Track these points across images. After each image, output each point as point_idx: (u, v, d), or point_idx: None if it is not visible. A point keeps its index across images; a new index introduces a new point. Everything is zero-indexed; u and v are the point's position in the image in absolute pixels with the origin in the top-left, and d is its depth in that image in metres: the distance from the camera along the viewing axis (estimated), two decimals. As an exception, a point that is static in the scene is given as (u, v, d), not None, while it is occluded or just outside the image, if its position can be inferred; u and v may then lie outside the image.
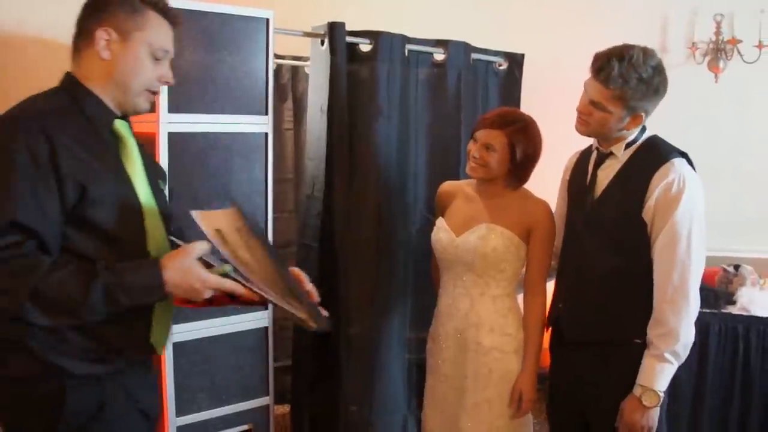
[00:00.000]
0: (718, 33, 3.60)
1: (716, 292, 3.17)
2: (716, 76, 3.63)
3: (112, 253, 1.50)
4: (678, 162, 1.98)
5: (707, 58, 3.63)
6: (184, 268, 1.48)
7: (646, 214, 1.98)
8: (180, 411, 2.18)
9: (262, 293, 1.53)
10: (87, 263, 1.45)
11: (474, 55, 3.09)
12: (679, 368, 2.94)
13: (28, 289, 1.37)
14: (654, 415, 2.00)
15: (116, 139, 1.63)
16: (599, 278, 2.07)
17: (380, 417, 2.90)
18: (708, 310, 3.03)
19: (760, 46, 3.47)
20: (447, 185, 2.46)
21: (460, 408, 2.27)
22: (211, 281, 1.49)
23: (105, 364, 1.54)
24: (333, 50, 2.58)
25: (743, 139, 3.66)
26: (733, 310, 3.08)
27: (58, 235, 1.46)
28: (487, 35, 3.30)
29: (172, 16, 1.65)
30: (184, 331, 2.17)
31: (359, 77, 2.74)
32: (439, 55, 2.97)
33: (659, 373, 1.97)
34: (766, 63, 3.51)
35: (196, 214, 1.57)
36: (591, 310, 2.11)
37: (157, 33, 1.61)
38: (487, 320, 2.21)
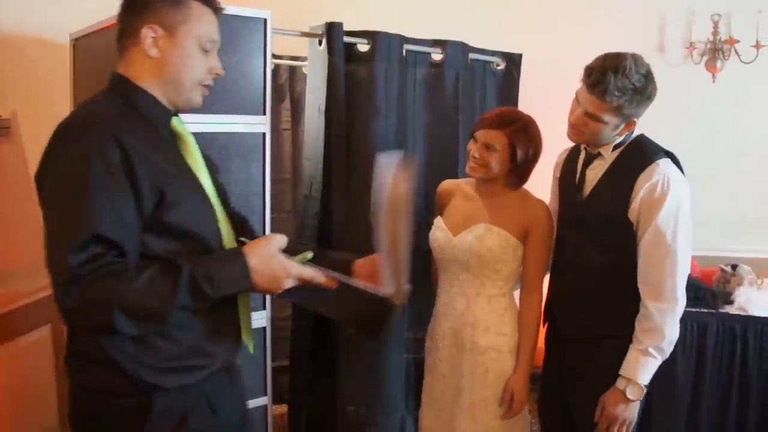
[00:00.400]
0: (715, 33, 3.60)
1: (714, 291, 3.17)
2: (714, 76, 3.64)
3: (192, 254, 1.47)
4: (663, 163, 2.01)
5: (704, 58, 3.64)
6: (268, 256, 1.48)
7: (632, 214, 2.01)
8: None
9: (342, 278, 1.55)
10: (168, 262, 1.42)
11: (472, 55, 3.09)
12: (677, 368, 2.98)
13: (116, 298, 1.34)
14: (634, 409, 2.04)
15: (174, 136, 1.60)
16: (588, 275, 2.12)
17: (378, 417, 2.89)
18: (705, 310, 3.04)
19: (757, 46, 3.48)
20: (446, 184, 2.46)
21: (456, 407, 2.27)
22: (293, 268, 1.49)
23: (193, 372, 1.52)
24: (331, 50, 2.58)
25: (740, 139, 3.67)
26: (731, 309, 3.08)
27: (137, 242, 1.42)
28: (485, 35, 3.30)
29: (214, 4, 1.58)
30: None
31: (357, 77, 2.74)
32: (437, 55, 2.97)
33: (643, 366, 1.99)
34: (763, 63, 3.52)
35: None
36: (580, 306, 2.15)
37: (203, 24, 1.55)
38: (482, 320, 2.22)
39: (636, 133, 2.10)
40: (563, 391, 2.21)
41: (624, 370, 2.01)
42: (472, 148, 2.22)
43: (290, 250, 1.56)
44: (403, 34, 2.82)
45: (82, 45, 2.72)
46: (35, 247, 2.82)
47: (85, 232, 1.34)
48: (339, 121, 2.66)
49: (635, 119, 2.03)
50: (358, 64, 2.74)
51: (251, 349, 1.71)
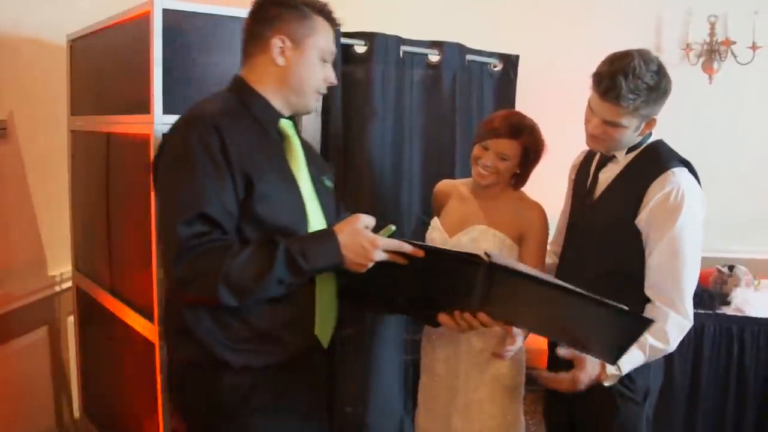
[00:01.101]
0: (712, 34, 3.61)
1: (711, 292, 3.18)
2: (710, 78, 3.65)
3: None
4: (678, 171, 1.92)
5: (701, 60, 3.65)
6: (355, 230, 1.61)
7: (640, 222, 1.93)
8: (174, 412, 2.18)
9: (427, 246, 1.69)
10: (266, 240, 1.57)
11: (469, 57, 3.09)
12: (674, 369, 2.98)
13: (222, 271, 1.48)
14: (585, 381, 1.91)
15: (282, 137, 1.74)
16: (591, 279, 2.05)
17: (376, 418, 2.89)
18: (702, 311, 3.04)
19: (753, 47, 3.48)
20: (443, 184, 2.46)
21: (452, 407, 2.27)
22: (379, 240, 1.62)
23: (261, 356, 1.64)
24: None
25: (737, 140, 3.68)
26: (728, 310, 3.08)
27: (235, 225, 1.58)
28: (482, 36, 3.30)
29: (334, 20, 1.75)
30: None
31: (354, 78, 2.74)
32: (434, 57, 2.97)
33: (633, 357, 1.88)
34: (759, 64, 3.52)
35: None
36: None
37: (325, 37, 1.72)
38: None
39: (653, 136, 2.04)
40: (564, 394, 2.18)
41: (625, 365, 1.89)
42: (483, 156, 2.18)
43: (374, 230, 1.68)
44: (400, 35, 2.83)
45: (79, 46, 2.72)
46: (32, 249, 2.84)
47: (193, 210, 1.50)
48: (336, 122, 2.66)
49: (654, 116, 1.96)
50: (355, 65, 2.74)
51: (325, 345, 1.77)
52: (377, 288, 1.80)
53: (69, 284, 2.96)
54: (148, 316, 2.17)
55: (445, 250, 1.74)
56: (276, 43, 1.66)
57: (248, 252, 1.52)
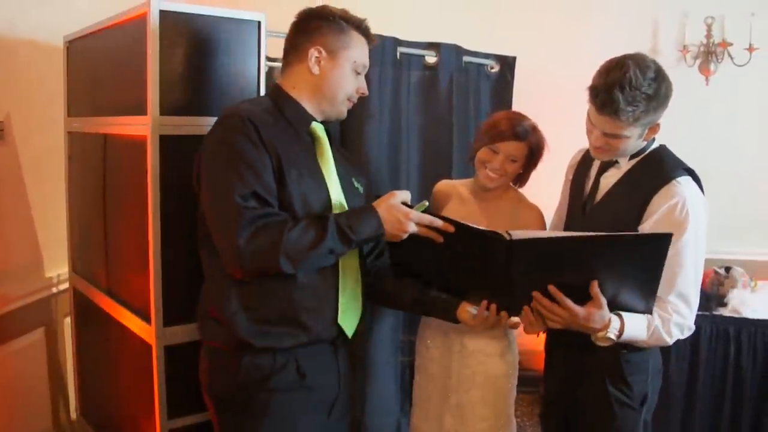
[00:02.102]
0: (708, 36, 3.61)
1: (707, 294, 3.18)
2: (707, 79, 3.65)
3: None
4: (684, 181, 1.89)
5: (698, 61, 3.65)
6: (390, 205, 1.74)
7: (644, 231, 1.88)
8: (171, 414, 2.17)
9: (459, 220, 1.80)
10: (316, 215, 1.72)
11: (466, 58, 3.09)
12: (671, 370, 2.98)
13: (283, 242, 1.60)
14: (584, 323, 1.83)
15: (313, 139, 1.86)
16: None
17: (373, 419, 2.90)
18: (699, 313, 3.01)
19: (750, 49, 3.49)
20: (443, 185, 2.46)
21: (445, 407, 2.28)
22: (413, 213, 1.75)
23: (283, 338, 1.74)
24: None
25: (734, 142, 3.68)
26: (725, 312, 3.09)
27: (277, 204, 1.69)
28: (479, 38, 3.31)
29: (370, 36, 1.87)
30: (177, 333, 2.16)
31: (351, 80, 2.74)
32: (431, 58, 2.97)
33: (634, 325, 1.85)
34: (756, 66, 3.53)
35: None
36: None
37: (359, 51, 1.84)
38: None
39: (656, 142, 2.02)
40: (560, 398, 2.17)
41: (628, 323, 1.84)
42: (493, 159, 2.19)
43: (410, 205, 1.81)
44: (397, 36, 2.83)
45: (76, 47, 2.71)
46: (29, 251, 2.83)
47: (246, 188, 1.62)
48: (333, 123, 2.65)
49: (659, 122, 1.92)
50: (352, 66, 2.74)
51: (349, 334, 1.86)
52: (420, 263, 1.98)
53: (66, 286, 2.95)
54: (145, 317, 2.16)
55: (471, 226, 1.81)
56: (313, 53, 1.78)
57: (303, 224, 1.65)
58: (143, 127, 2.08)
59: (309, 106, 1.84)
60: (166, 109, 2.06)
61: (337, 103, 1.85)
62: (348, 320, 1.85)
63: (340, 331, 1.83)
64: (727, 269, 3.32)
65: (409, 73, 2.91)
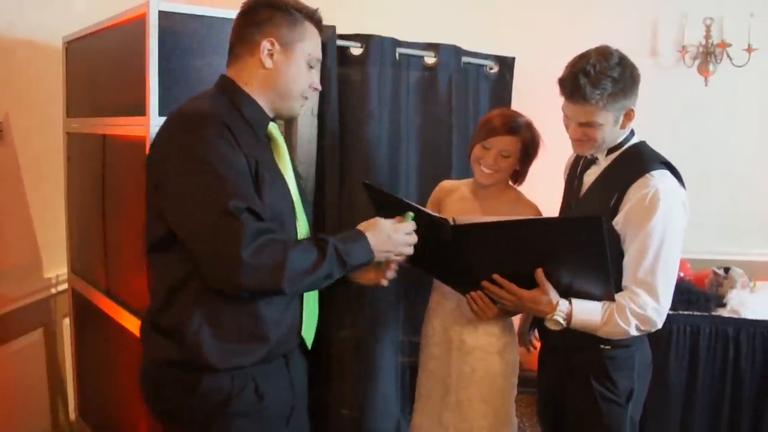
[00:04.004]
0: (707, 36, 3.62)
1: (706, 294, 3.18)
2: (706, 80, 3.65)
3: None
4: (658, 174, 1.89)
5: (697, 62, 3.65)
6: (377, 226, 1.70)
7: (617, 225, 1.90)
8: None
9: (411, 202, 1.90)
10: (314, 236, 1.66)
11: (465, 59, 3.09)
12: (670, 370, 2.98)
13: (287, 261, 1.50)
14: (532, 305, 1.92)
15: (269, 140, 1.76)
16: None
17: (373, 420, 2.89)
18: (698, 313, 3.04)
19: (749, 49, 3.49)
20: (446, 183, 2.48)
21: (444, 404, 2.29)
22: (402, 225, 1.74)
23: (248, 355, 1.62)
24: (324, 53, 2.56)
25: (733, 142, 3.68)
26: (724, 312, 3.08)
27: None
28: (478, 39, 3.31)
29: (322, 27, 1.76)
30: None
31: (350, 80, 2.74)
32: (430, 59, 2.97)
33: (585, 313, 1.88)
34: (755, 66, 3.53)
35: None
36: None
37: (314, 43, 1.72)
38: (471, 319, 2.22)
39: (635, 138, 2.03)
40: (550, 398, 2.19)
41: (577, 308, 1.88)
42: (485, 155, 2.21)
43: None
44: (396, 37, 2.83)
45: (75, 48, 2.71)
46: (27, 251, 2.83)
47: (239, 199, 1.49)
48: (332, 124, 2.66)
49: (632, 107, 1.94)
50: (351, 67, 2.74)
51: (309, 345, 1.81)
52: (428, 256, 1.98)
53: (65, 286, 2.95)
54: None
55: (424, 209, 1.90)
56: (265, 45, 1.65)
57: (303, 245, 1.57)
58: (142, 127, 2.08)
59: (262, 104, 1.70)
60: (165, 110, 2.06)
61: (291, 100, 1.73)
62: (309, 330, 1.80)
63: (300, 342, 1.76)
64: (726, 270, 3.31)
65: (408, 74, 2.91)
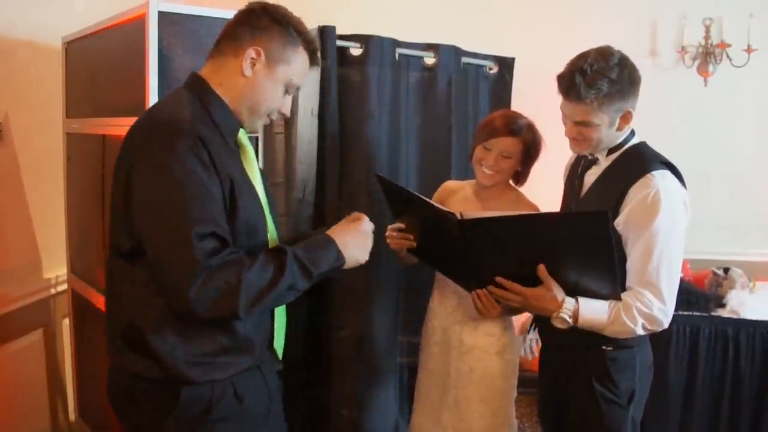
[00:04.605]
0: (707, 37, 3.62)
1: (706, 295, 3.18)
2: (705, 80, 3.66)
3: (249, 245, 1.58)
4: (659, 174, 1.88)
5: (696, 62, 3.66)
6: (343, 226, 1.70)
7: (618, 225, 1.89)
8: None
9: (421, 196, 1.99)
10: (273, 249, 1.58)
11: (464, 59, 3.09)
12: (670, 371, 2.98)
13: (242, 286, 1.43)
14: (537, 304, 1.89)
15: (238, 146, 1.68)
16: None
17: (371, 420, 2.89)
18: (698, 313, 3.05)
19: (749, 50, 3.49)
20: (450, 183, 2.49)
21: (443, 403, 2.29)
22: (365, 220, 1.73)
23: (224, 369, 1.59)
24: (324, 54, 2.58)
25: (732, 143, 3.69)
26: (723, 313, 3.09)
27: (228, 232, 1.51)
28: (478, 39, 3.31)
29: (316, 60, 1.70)
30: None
31: (350, 81, 2.74)
32: (430, 59, 2.97)
33: (592, 311, 1.86)
34: (754, 67, 3.53)
35: None
36: None
37: (299, 71, 1.65)
38: (474, 318, 2.22)
39: (636, 138, 2.03)
40: (552, 398, 2.18)
41: (584, 307, 1.86)
42: (486, 156, 2.21)
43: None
44: (395, 37, 2.83)
45: (74, 48, 2.71)
46: (27, 251, 2.83)
47: (204, 228, 1.43)
48: (332, 124, 2.66)
49: (629, 110, 1.92)
50: (351, 67, 2.74)
51: (279, 356, 1.81)
52: (434, 250, 2.08)
53: (64, 287, 2.95)
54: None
55: (431, 202, 1.94)
56: (250, 53, 1.57)
57: (259, 262, 1.48)
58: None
59: (230, 108, 1.63)
60: (164, 110, 2.06)
61: (257, 116, 1.65)
62: (279, 342, 1.79)
63: (272, 354, 1.76)
64: (726, 270, 3.32)
65: (407, 74, 2.91)
